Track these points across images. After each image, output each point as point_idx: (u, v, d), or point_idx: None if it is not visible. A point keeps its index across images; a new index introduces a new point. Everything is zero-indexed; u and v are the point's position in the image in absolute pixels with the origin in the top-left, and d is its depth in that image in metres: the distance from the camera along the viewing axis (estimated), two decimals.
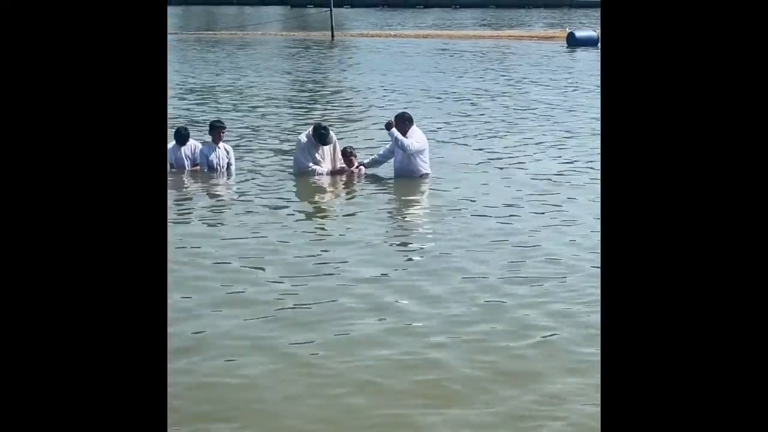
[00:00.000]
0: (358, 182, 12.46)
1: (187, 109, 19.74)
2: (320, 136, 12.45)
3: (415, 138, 12.36)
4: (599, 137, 13.00)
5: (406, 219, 10.96)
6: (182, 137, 12.89)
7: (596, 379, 5.61)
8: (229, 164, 12.90)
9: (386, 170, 12.73)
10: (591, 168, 13.22)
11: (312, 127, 12.87)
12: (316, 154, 12.50)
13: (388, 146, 12.67)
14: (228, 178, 12.72)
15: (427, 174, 12.45)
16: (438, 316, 7.36)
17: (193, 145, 13.02)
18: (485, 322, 7.25)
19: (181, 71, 27.62)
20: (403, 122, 12.46)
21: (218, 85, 24.88)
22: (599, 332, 3.41)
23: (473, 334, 6.99)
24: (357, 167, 12.69)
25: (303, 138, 12.65)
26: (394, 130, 12.32)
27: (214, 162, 12.77)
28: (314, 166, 12.45)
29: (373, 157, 12.96)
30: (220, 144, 12.90)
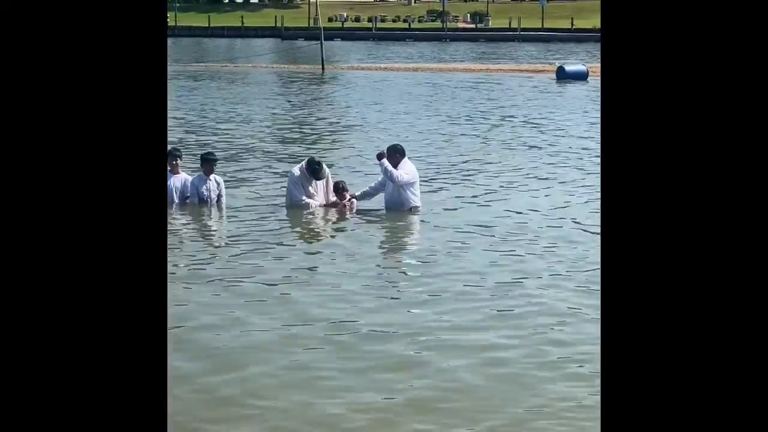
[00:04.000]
0: (349, 215, 12.48)
1: (179, 141, 19.72)
2: (313, 170, 12.49)
3: (406, 170, 12.41)
4: (590, 169, 12.99)
5: (395, 253, 10.94)
6: (175, 159, 12.80)
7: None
8: (219, 196, 12.89)
9: (376, 203, 12.75)
10: (581, 201, 13.28)
11: (305, 161, 12.87)
12: (309, 188, 12.52)
13: (379, 179, 12.71)
14: (219, 211, 12.73)
15: (417, 207, 12.48)
16: (429, 345, 7.40)
17: (184, 177, 12.97)
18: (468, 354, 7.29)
19: (171, 103, 27.66)
20: (395, 154, 12.50)
21: (208, 117, 24.91)
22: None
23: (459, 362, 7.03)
24: (349, 200, 12.72)
25: (296, 171, 12.68)
26: (384, 161, 12.36)
27: (205, 194, 12.76)
28: (307, 200, 12.47)
29: (364, 189, 12.99)
30: (211, 176, 12.90)
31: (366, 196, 12.86)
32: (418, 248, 11.08)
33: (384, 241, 11.42)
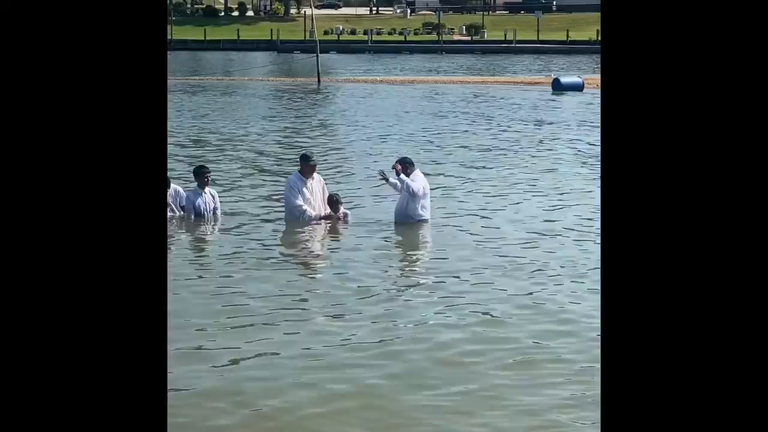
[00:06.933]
0: (345, 228, 12.40)
1: (174, 155, 19.66)
2: (304, 157, 12.84)
3: (420, 183, 12.35)
4: (590, 178, 12.93)
5: (403, 264, 10.85)
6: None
7: None
8: (215, 209, 12.82)
9: (375, 214, 12.67)
10: (581, 213, 13.24)
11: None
12: (304, 189, 12.55)
13: (401, 184, 12.26)
14: (215, 223, 12.65)
15: (425, 219, 12.41)
16: (430, 360, 7.31)
17: (175, 189, 12.83)
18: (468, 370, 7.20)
19: (168, 116, 27.58)
20: (406, 166, 12.45)
21: (205, 131, 24.86)
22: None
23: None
24: (345, 216, 12.65)
25: (292, 177, 12.81)
26: (402, 176, 12.24)
27: (201, 207, 12.67)
28: (304, 206, 12.46)
29: (393, 181, 12.35)
30: (206, 189, 12.83)
31: (392, 186, 12.40)
32: (423, 261, 11.03)
33: (388, 255, 11.29)
